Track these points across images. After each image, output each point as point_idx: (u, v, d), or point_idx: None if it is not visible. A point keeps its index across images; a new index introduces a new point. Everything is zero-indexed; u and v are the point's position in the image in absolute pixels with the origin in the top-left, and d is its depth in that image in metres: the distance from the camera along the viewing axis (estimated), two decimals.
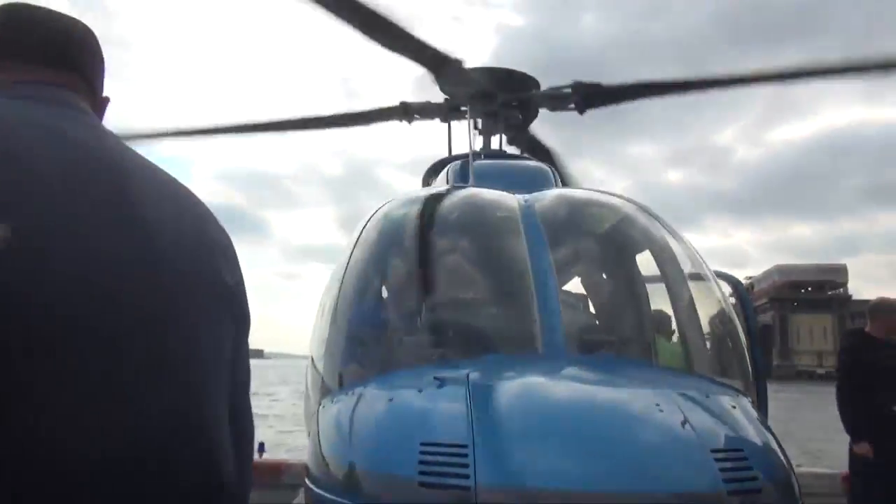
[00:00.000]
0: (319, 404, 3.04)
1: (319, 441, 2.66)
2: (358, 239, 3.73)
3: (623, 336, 3.21)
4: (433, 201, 3.90)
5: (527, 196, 3.81)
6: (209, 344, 1.13)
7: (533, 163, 5.30)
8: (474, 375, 2.47)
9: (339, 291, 3.57)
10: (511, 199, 3.65)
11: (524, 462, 2.00)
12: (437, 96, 6.96)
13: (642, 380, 2.62)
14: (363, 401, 2.64)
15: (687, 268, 3.45)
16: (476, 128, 7.31)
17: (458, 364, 2.74)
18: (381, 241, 3.63)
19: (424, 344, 3.10)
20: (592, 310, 3.66)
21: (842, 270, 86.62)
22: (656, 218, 3.65)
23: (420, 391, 2.46)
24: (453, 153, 6.54)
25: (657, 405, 2.21)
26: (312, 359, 3.58)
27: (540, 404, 2.31)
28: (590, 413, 2.25)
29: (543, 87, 6.58)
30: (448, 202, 3.84)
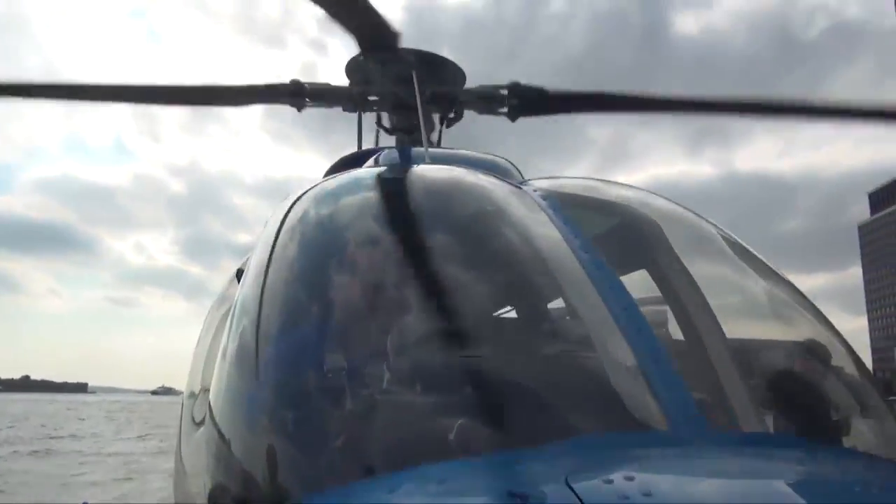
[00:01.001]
0: None
1: None
2: (287, 239, 2.38)
3: (764, 400, 2.11)
4: (402, 183, 2.62)
5: (535, 184, 2.66)
6: None
7: (496, 156, 4.21)
8: (587, 487, 1.28)
9: (262, 323, 2.16)
10: (514, 187, 2.52)
11: None
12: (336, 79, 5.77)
13: (851, 475, 1.59)
14: None
15: (782, 290, 2.48)
16: (383, 124, 6.17)
17: (523, 457, 1.50)
18: (332, 242, 2.32)
19: (444, 417, 1.77)
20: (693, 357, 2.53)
21: None
22: (715, 225, 2.66)
23: None
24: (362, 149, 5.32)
25: None
26: (213, 421, 2.09)
27: None
28: None
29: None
30: (428, 185, 2.59)
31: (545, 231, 2.15)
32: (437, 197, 2.52)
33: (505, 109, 5.21)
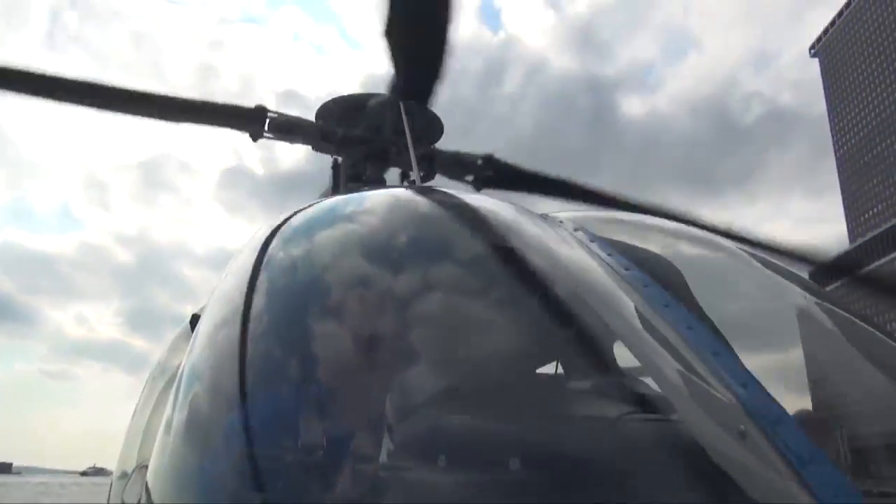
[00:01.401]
0: None
1: None
2: (253, 285, 1.91)
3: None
4: (404, 210, 2.17)
5: (561, 217, 2.27)
6: None
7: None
8: None
9: (219, 385, 1.68)
10: (540, 216, 2.13)
11: None
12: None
13: None
14: None
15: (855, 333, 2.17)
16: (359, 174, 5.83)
17: None
18: (319, 287, 1.86)
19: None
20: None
21: None
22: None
23: None
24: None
25: None
26: None
27: None
28: None
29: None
30: (435, 211, 2.15)
31: (594, 267, 1.72)
32: (450, 225, 2.03)
33: (471, 178, 5.28)
